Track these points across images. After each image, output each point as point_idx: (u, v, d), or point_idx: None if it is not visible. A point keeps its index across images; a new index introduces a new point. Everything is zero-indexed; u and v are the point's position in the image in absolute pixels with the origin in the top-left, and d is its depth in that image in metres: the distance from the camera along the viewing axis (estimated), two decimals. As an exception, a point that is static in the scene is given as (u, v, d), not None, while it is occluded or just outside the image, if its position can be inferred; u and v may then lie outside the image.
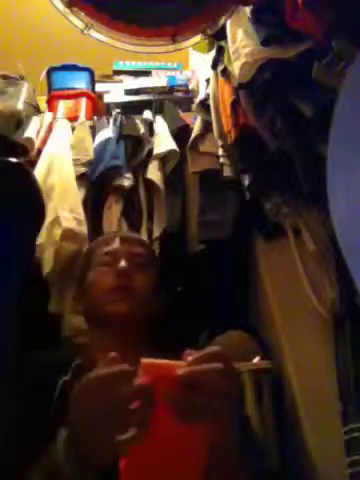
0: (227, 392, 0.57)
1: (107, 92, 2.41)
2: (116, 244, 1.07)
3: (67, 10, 1.10)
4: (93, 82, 2.45)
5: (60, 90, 2.33)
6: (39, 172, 1.69)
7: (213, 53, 1.63)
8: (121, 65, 2.57)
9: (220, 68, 1.56)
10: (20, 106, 2.09)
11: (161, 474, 0.57)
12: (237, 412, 0.70)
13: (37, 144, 1.89)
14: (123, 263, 0.99)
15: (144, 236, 1.65)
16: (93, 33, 1.15)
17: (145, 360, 0.58)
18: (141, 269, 1.03)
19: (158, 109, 2.20)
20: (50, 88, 2.38)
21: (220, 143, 1.60)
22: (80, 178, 1.78)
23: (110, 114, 2.21)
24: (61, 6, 1.10)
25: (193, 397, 0.55)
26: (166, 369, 0.57)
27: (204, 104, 1.78)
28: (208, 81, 1.78)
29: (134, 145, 1.95)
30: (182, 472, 0.58)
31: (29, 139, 1.87)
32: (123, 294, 0.95)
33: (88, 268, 1.07)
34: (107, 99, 2.36)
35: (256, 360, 1.38)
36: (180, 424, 0.55)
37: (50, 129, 2.00)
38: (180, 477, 0.58)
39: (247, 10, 1.20)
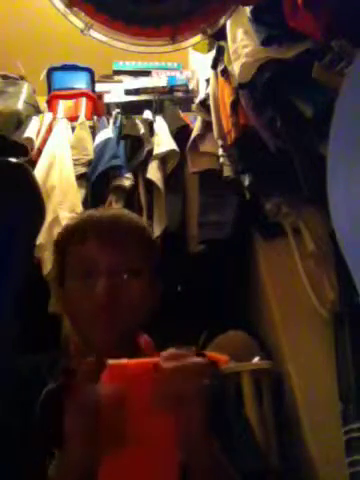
0: (196, 387, 0.58)
1: (107, 92, 2.41)
2: (93, 248, 0.79)
3: (67, 10, 1.10)
4: (93, 82, 2.45)
5: (60, 90, 2.34)
6: (39, 172, 1.69)
7: (213, 53, 1.63)
8: (121, 65, 2.57)
9: (220, 68, 1.56)
10: (20, 106, 2.09)
11: (138, 472, 0.58)
12: (220, 410, 0.72)
13: (37, 144, 1.89)
14: (102, 285, 0.76)
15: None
16: (93, 33, 1.15)
17: (112, 361, 0.59)
18: (129, 279, 0.79)
19: (158, 109, 2.20)
20: (50, 88, 2.38)
21: (220, 143, 1.60)
22: (80, 178, 1.79)
23: (110, 114, 2.21)
24: (61, 6, 1.10)
25: (166, 388, 0.57)
26: (133, 369, 0.58)
27: (204, 104, 1.79)
28: (208, 81, 1.78)
29: (134, 145, 1.95)
30: (159, 469, 0.59)
31: (29, 139, 1.87)
32: (106, 322, 0.76)
33: (62, 269, 0.84)
34: (107, 99, 2.36)
35: (256, 360, 1.38)
36: (153, 421, 0.57)
37: (50, 129, 2.00)
38: (157, 474, 0.59)
39: (247, 10, 1.20)
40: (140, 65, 2.57)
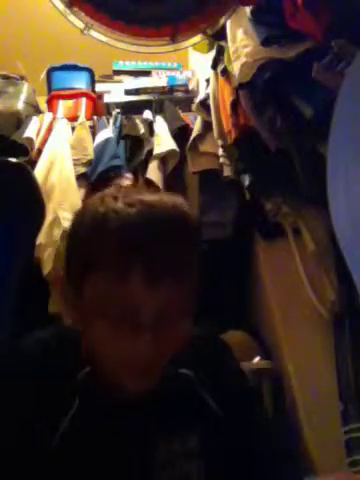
0: None
1: (107, 92, 2.41)
2: (137, 290, 0.55)
3: (67, 10, 1.10)
4: (93, 82, 2.45)
5: (60, 90, 2.34)
6: (39, 172, 1.69)
7: (213, 53, 1.63)
8: (121, 65, 2.57)
9: (220, 68, 1.56)
10: (20, 106, 2.09)
11: None
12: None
13: (37, 144, 1.89)
14: (146, 344, 0.55)
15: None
16: (93, 33, 1.15)
17: None
18: (179, 321, 0.60)
19: (158, 109, 2.20)
20: (50, 88, 2.38)
21: (220, 143, 1.60)
22: (80, 178, 1.79)
23: (110, 114, 2.21)
24: (61, 6, 1.10)
25: None
26: None
27: (204, 104, 1.79)
28: (208, 81, 1.78)
29: (134, 145, 1.95)
30: None
31: (29, 139, 1.87)
32: (143, 373, 0.59)
33: (84, 276, 0.59)
34: (107, 99, 2.36)
35: (256, 360, 1.38)
36: None
37: (50, 129, 2.00)
38: None
39: (247, 10, 1.20)
40: (140, 65, 2.57)
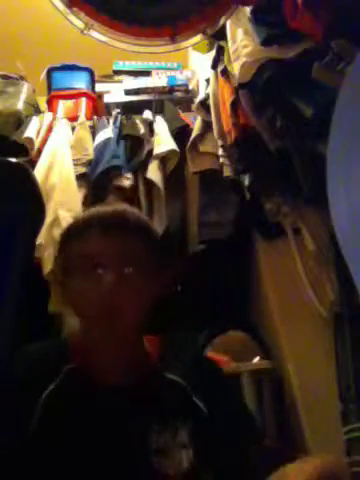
0: None
1: (107, 92, 2.41)
2: (96, 242, 0.76)
3: (67, 10, 1.10)
4: (93, 82, 2.45)
5: (60, 90, 2.33)
6: (39, 172, 1.69)
7: (213, 53, 1.63)
8: (121, 65, 2.57)
9: (220, 68, 1.56)
10: (20, 106, 2.09)
11: None
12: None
13: (37, 144, 1.89)
14: (108, 279, 0.73)
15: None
16: (93, 33, 1.14)
17: None
18: (133, 273, 0.76)
19: (158, 109, 2.20)
20: (50, 88, 2.38)
21: (220, 143, 1.60)
22: (80, 178, 1.79)
23: (110, 114, 2.21)
24: (61, 6, 1.10)
25: None
26: None
27: (204, 104, 1.79)
28: (208, 81, 1.78)
29: (134, 145, 1.95)
30: None
31: (29, 139, 1.87)
32: (110, 316, 0.73)
33: (65, 267, 0.80)
34: (107, 99, 2.36)
35: (256, 360, 1.38)
36: None
37: (50, 129, 2.00)
38: None
39: (247, 10, 1.20)
40: (140, 65, 2.57)
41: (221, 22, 1.21)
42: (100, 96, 2.38)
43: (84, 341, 0.80)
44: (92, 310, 0.74)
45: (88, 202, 1.74)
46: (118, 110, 2.21)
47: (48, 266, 1.51)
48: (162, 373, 0.79)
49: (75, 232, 0.81)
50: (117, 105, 2.28)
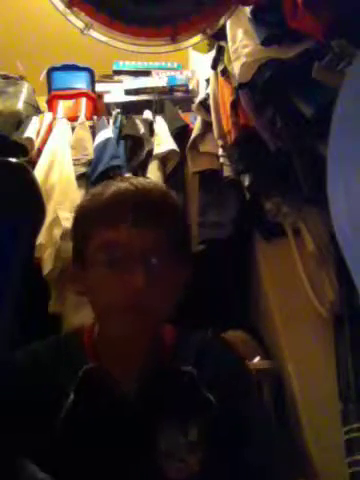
0: None
1: (107, 92, 2.41)
2: (125, 233, 0.67)
3: (67, 10, 1.10)
4: (93, 82, 2.45)
5: (60, 90, 2.34)
6: (39, 172, 1.69)
7: (213, 53, 1.63)
8: (121, 65, 2.57)
9: (220, 68, 1.56)
10: (20, 106, 2.09)
11: None
12: None
13: (37, 144, 1.89)
14: (139, 275, 0.66)
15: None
16: (93, 33, 1.14)
17: None
18: (165, 264, 0.69)
19: (158, 109, 2.20)
20: (50, 88, 2.38)
21: (220, 143, 1.60)
22: (80, 178, 1.79)
23: (110, 114, 2.21)
24: (61, 6, 1.10)
25: None
26: None
27: (204, 104, 1.79)
28: (208, 81, 1.78)
29: (134, 145, 1.95)
30: None
31: (29, 139, 1.87)
32: (135, 316, 0.67)
33: (86, 243, 0.72)
34: (107, 99, 2.36)
35: (256, 360, 1.38)
36: None
37: (50, 129, 2.00)
38: None
39: (247, 10, 1.20)
40: (140, 65, 2.57)
41: (221, 22, 1.21)
42: (100, 96, 2.38)
43: (101, 338, 0.75)
44: (118, 308, 0.67)
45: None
46: (118, 110, 2.21)
47: (48, 266, 1.51)
48: (176, 365, 0.75)
49: (101, 214, 0.70)
50: (117, 105, 2.28)
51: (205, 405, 0.73)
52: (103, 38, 1.16)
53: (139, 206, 0.69)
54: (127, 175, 1.80)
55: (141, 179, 0.76)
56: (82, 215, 0.75)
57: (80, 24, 1.13)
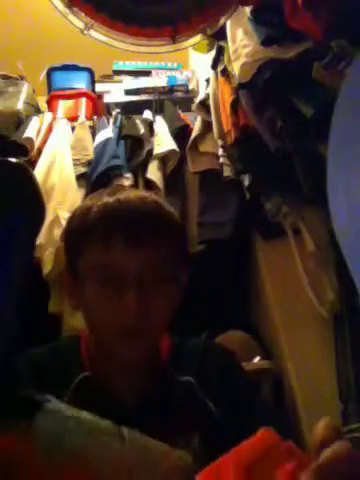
0: None
1: (107, 92, 2.41)
2: (119, 252, 0.64)
3: (67, 10, 1.10)
4: (93, 82, 2.45)
5: (60, 90, 2.34)
6: (39, 172, 1.69)
7: (213, 53, 1.63)
8: (121, 65, 2.57)
9: (220, 68, 1.56)
10: (20, 106, 2.09)
11: None
12: None
13: (37, 144, 1.89)
14: (132, 298, 0.63)
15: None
16: (93, 33, 1.14)
17: None
18: (162, 285, 0.67)
19: (158, 109, 2.20)
20: (50, 88, 2.39)
21: (220, 143, 1.60)
22: (80, 178, 1.79)
23: (110, 114, 2.22)
24: (61, 6, 1.10)
25: None
26: None
27: (204, 104, 1.79)
28: (208, 81, 1.78)
29: (134, 145, 1.95)
30: None
31: (29, 139, 1.87)
32: (133, 337, 0.66)
33: (77, 261, 0.69)
34: (107, 99, 2.36)
35: (256, 360, 1.38)
36: None
37: (50, 129, 2.00)
38: None
39: (247, 10, 1.20)
40: (140, 65, 2.57)
41: (221, 22, 1.21)
42: (100, 96, 2.38)
43: (97, 348, 0.74)
44: (112, 329, 0.66)
45: (88, 202, 1.74)
46: (118, 110, 2.21)
47: (48, 266, 1.51)
48: (173, 375, 0.76)
49: (90, 232, 0.67)
50: (117, 105, 2.28)
51: (206, 413, 0.73)
52: (103, 38, 1.16)
53: (129, 225, 0.66)
54: (127, 175, 1.80)
55: (132, 193, 0.71)
56: (72, 231, 0.72)
57: (80, 24, 1.13)
